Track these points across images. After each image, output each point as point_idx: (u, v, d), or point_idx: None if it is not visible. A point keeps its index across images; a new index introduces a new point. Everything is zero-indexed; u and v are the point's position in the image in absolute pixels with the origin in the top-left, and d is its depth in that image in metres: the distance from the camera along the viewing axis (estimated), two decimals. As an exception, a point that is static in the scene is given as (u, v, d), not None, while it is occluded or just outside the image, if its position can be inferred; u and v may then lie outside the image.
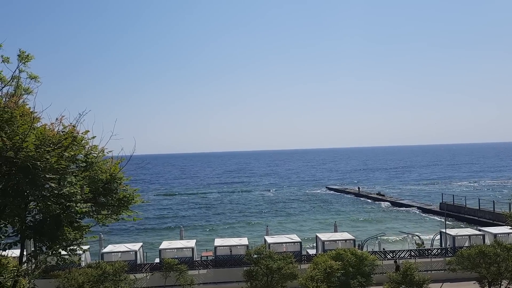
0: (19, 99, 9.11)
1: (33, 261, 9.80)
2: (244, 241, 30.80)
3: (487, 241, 29.44)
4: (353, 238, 30.86)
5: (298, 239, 30.60)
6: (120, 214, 10.76)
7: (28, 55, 10.61)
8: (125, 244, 31.27)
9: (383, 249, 32.40)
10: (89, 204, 9.52)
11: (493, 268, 20.88)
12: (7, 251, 9.55)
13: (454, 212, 54.96)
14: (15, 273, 8.30)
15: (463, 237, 30.71)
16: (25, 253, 10.12)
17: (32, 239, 9.76)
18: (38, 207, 9.65)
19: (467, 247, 26.46)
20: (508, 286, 22.24)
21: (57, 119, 9.16)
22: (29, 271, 9.38)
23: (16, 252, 16.69)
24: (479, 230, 32.78)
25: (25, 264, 9.84)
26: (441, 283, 26.53)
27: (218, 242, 30.73)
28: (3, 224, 9.25)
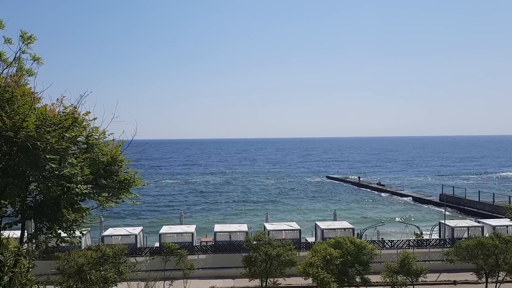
0: (20, 79, 9.06)
1: (34, 241, 9.84)
2: (244, 227, 30.96)
3: (486, 233, 29.53)
4: (352, 227, 30.98)
5: (297, 227, 30.75)
6: (120, 197, 10.76)
7: (30, 36, 10.53)
8: (125, 228, 31.46)
9: (382, 238, 32.53)
10: (90, 185, 9.52)
11: (491, 260, 20.97)
12: (8, 231, 9.59)
13: (454, 204, 55.07)
14: (16, 253, 8.32)
15: (462, 228, 30.80)
16: (25, 233, 10.16)
17: (32, 220, 9.79)
18: (38, 188, 9.66)
19: (465, 238, 26.55)
20: (505, 278, 22.35)
21: (57, 99, 9.11)
22: (30, 252, 9.42)
23: (16, 233, 16.77)
24: (478, 222, 32.88)
25: (26, 244, 9.87)
26: (439, 274, 26.67)
27: (217, 228, 30.91)
28: (4, 204, 9.26)
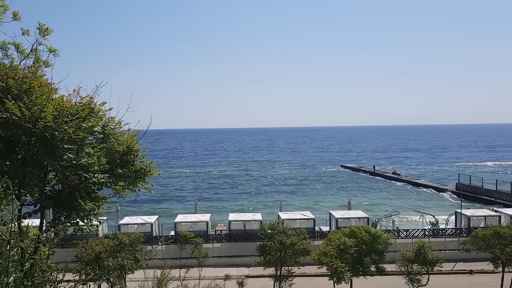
0: (37, 70, 9.18)
1: (52, 230, 10.04)
2: (258, 216, 31.10)
3: (503, 222, 29.19)
4: (367, 216, 30.90)
5: (312, 216, 30.79)
6: (136, 186, 10.90)
7: (47, 28, 10.65)
8: (141, 217, 31.87)
9: (397, 228, 32.39)
10: (106, 175, 9.65)
11: (507, 249, 20.71)
12: (27, 219, 9.78)
13: (470, 193, 54.46)
14: (36, 241, 8.49)
15: (479, 217, 30.49)
16: (44, 222, 10.36)
17: (51, 209, 9.97)
18: (56, 178, 9.82)
19: (482, 227, 26.28)
20: (522, 267, 22.09)
21: (74, 90, 9.22)
22: (49, 239, 9.61)
23: (36, 221, 17.08)
24: (495, 211, 32.49)
25: (45, 232, 10.07)
26: (455, 263, 26.51)
27: (232, 216, 31.10)
28: (23, 194, 9.45)
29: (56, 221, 10.03)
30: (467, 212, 31.73)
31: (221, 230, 31.73)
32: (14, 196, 5.11)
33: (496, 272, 23.28)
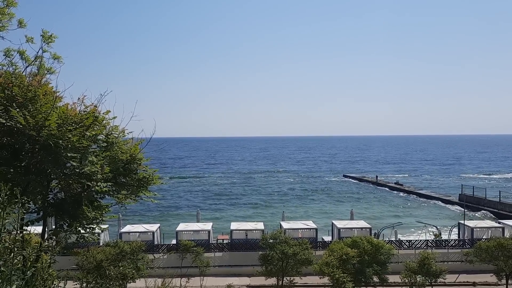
0: (42, 78, 9.24)
1: (54, 238, 10.04)
2: (260, 225, 30.97)
3: (507, 234, 29.01)
4: (369, 226, 30.74)
5: (314, 226, 30.65)
6: (139, 195, 10.90)
7: (51, 36, 10.75)
8: (143, 225, 31.80)
9: (399, 238, 32.21)
10: (109, 183, 9.66)
11: (511, 261, 20.59)
12: (30, 227, 9.79)
13: (473, 204, 54.14)
14: (38, 249, 8.50)
15: (482, 229, 30.29)
16: (46, 229, 10.36)
17: (53, 217, 9.98)
18: (60, 185, 9.84)
19: (485, 239, 26.11)
20: (527, 280, 21.91)
21: (79, 98, 9.28)
22: (51, 247, 9.61)
23: (38, 229, 17.08)
24: (499, 223, 32.30)
25: (47, 240, 10.07)
26: (458, 275, 26.31)
27: (234, 226, 30.99)
28: (26, 201, 9.46)
29: (59, 229, 10.04)
30: (470, 223, 31.54)
31: (222, 239, 31.58)
32: (20, 204, 5.10)
33: (500, 285, 23.08)
